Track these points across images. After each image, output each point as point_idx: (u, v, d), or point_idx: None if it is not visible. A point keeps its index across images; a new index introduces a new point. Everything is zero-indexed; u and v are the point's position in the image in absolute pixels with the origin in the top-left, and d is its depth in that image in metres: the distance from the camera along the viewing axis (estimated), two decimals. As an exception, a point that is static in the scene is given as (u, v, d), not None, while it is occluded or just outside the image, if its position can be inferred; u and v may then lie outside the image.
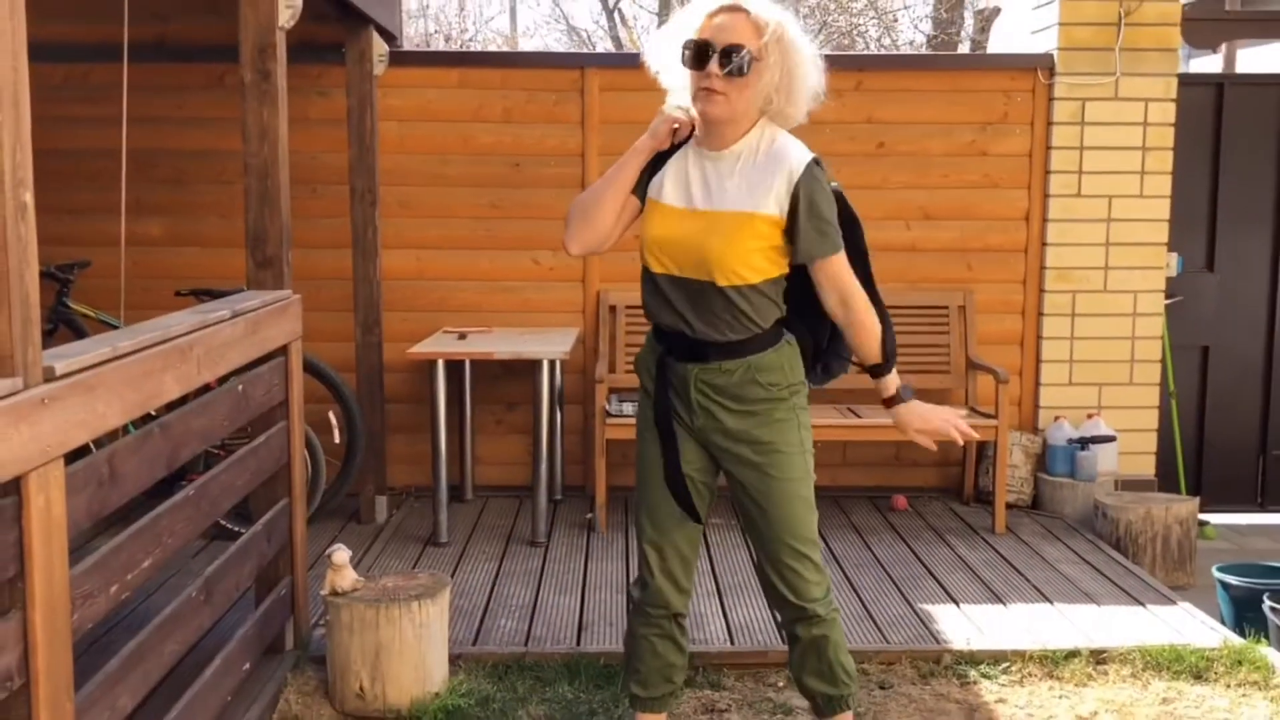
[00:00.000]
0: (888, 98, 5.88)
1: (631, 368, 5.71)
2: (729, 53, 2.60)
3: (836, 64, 6.10)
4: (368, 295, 5.51)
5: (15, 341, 2.06)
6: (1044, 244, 5.91)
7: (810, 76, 2.69)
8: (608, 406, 5.40)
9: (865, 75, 5.86)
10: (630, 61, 5.82)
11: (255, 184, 3.74)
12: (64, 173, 5.60)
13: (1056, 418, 5.85)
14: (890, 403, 2.86)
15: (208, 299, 4.60)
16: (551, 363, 5.27)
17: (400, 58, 5.78)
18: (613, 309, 5.86)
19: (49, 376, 2.17)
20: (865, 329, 2.78)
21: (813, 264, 2.74)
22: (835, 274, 2.74)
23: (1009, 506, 5.59)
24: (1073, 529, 5.48)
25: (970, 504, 5.87)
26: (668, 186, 2.77)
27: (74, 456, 2.30)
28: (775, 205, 2.68)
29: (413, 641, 3.55)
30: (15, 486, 2.07)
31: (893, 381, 2.83)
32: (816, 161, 2.72)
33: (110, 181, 5.52)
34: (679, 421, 2.86)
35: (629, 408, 5.40)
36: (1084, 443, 5.72)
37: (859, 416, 5.45)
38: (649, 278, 2.83)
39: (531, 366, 5.23)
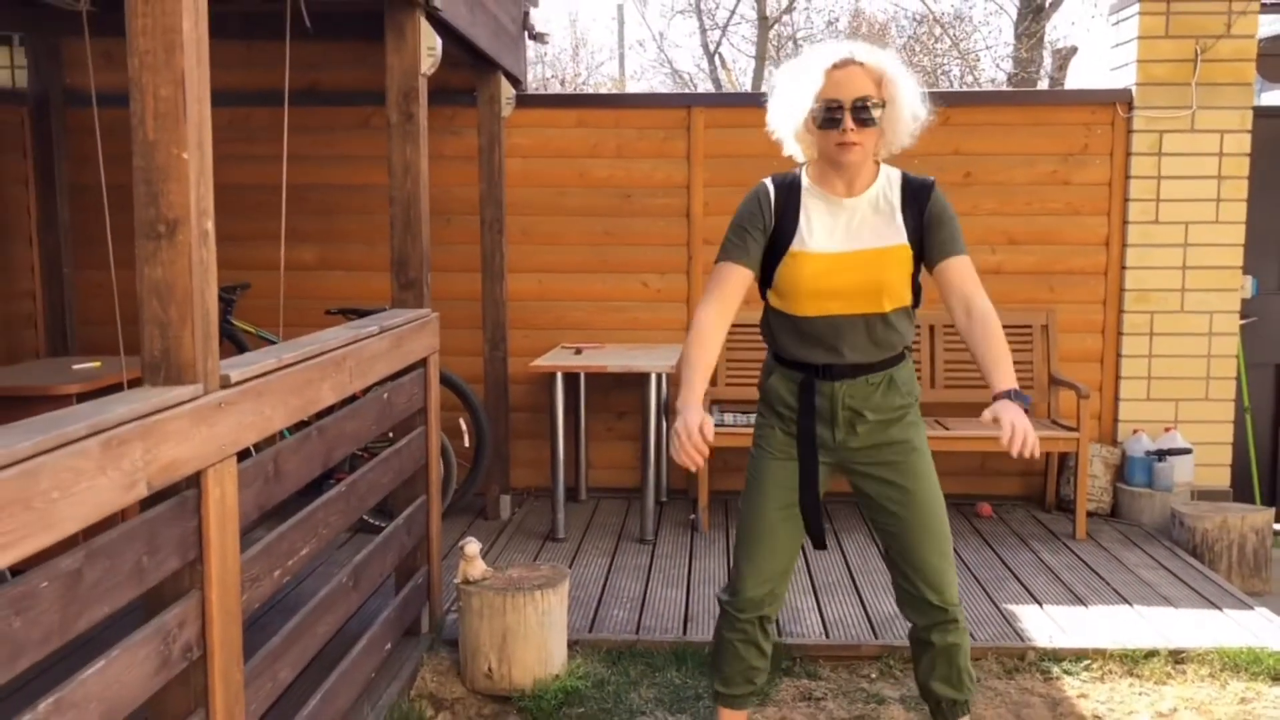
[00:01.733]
0: (974, 131, 5.80)
1: (731, 381, 5.72)
2: (859, 107, 2.62)
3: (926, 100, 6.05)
4: (495, 314, 5.60)
5: (197, 352, 2.15)
6: (1123, 267, 5.76)
7: (916, 106, 2.71)
8: (709, 415, 5.39)
9: (953, 111, 5.79)
10: (732, 101, 5.86)
11: (399, 214, 3.83)
12: (227, 205, 5.76)
13: (1135, 431, 5.69)
14: (1000, 396, 2.62)
15: (354, 317, 4.72)
16: (658, 375, 5.29)
17: (525, 100, 5.88)
18: (715, 327, 5.85)
19: (225, 384, 2.25)
20: (991, 325, 2.63)
21: (948, 261, 2.71)
22: (966, 273, 2.71)
23: (1089, 514, 5.45)
24: (1151, 536, 5.32)
25: (1052, 512, 5.74)
26: (817, 237, 2.73)
27: (241, 457, 2.39)
28: (910, 235, 2.72)
29: (536, 627, 3.59)
30: (196, 480, 2.16)
31: (1011, 379, 2.64)
32: (935, 183, 2.79)
33: (269, 212, 5.74)
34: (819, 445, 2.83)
35: (729, 418, 5.40)
36: (1161, 455, 5.56)
37: (946, 429, 5.37)
38: (794, 323, 2.78)
39: (640, 379, 5.25)
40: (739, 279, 2.76)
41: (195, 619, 2.18)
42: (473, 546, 3.71)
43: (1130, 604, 4.37)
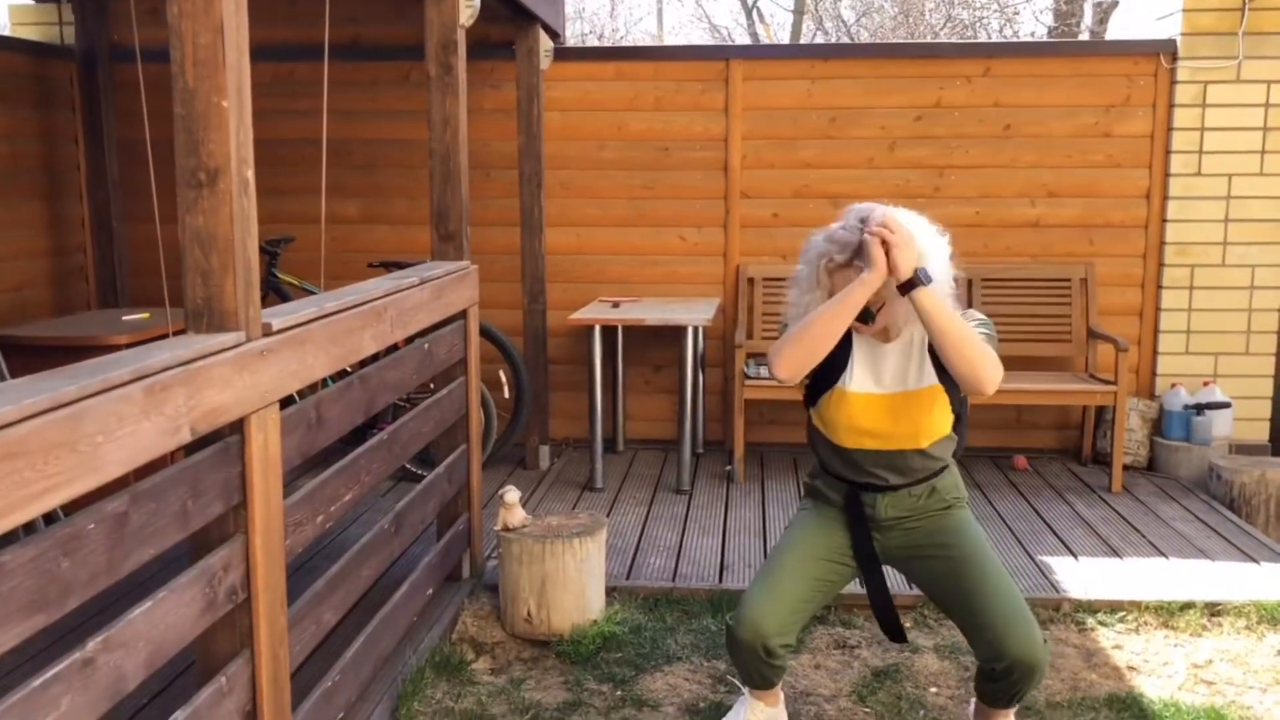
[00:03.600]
0: (1014, 83, 5.67)
1: (767, 334, 5.67)
2: (869, 313, 2.59)
3: (966, 52, 5.94)
4: (533, 268, 5.57)
5: (239, 300, 2.13)
6: (1164, 220, 5.63)
7: (944, 267, 2.59)
8: (746, 369, 5.36)
9: (993, 62, 5.65)
10: (771, 53, 5.77)
11: (439, 167, 3.80)
12: (270, 159, 5.77)
13: (1173, 385, 5.59)
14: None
15: (396, 270, 4.71)
16: (695, 329, 5.25)
17: (563, 53, 5.80)
18: (750, 281, 5.81)
19: (266, 331, 2.24)
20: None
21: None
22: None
23: (1126, 468, 5.37)
24: (1187, 489, 5.24)
25: (1088, 465, 5.66)
26: (859, 377, 2.70)
27: (284, 405, 2.38)
28: (939, 370, 2.65)
29: (574, 574, 3.59)
30: (239, 426, 2.15)
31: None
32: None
33: (311, 167, 5.73)
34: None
35: (765, 371, 5.36)
36: (1199, 408, 5.45)
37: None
38: (835, 448, 2.76)
39: (677, 332, 5.22)
40: None
41: (240, 562, 2.19)
42: (512, 494, 3.71)
43: (1166, 556, 4.31)
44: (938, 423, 2.69)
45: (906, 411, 2.68)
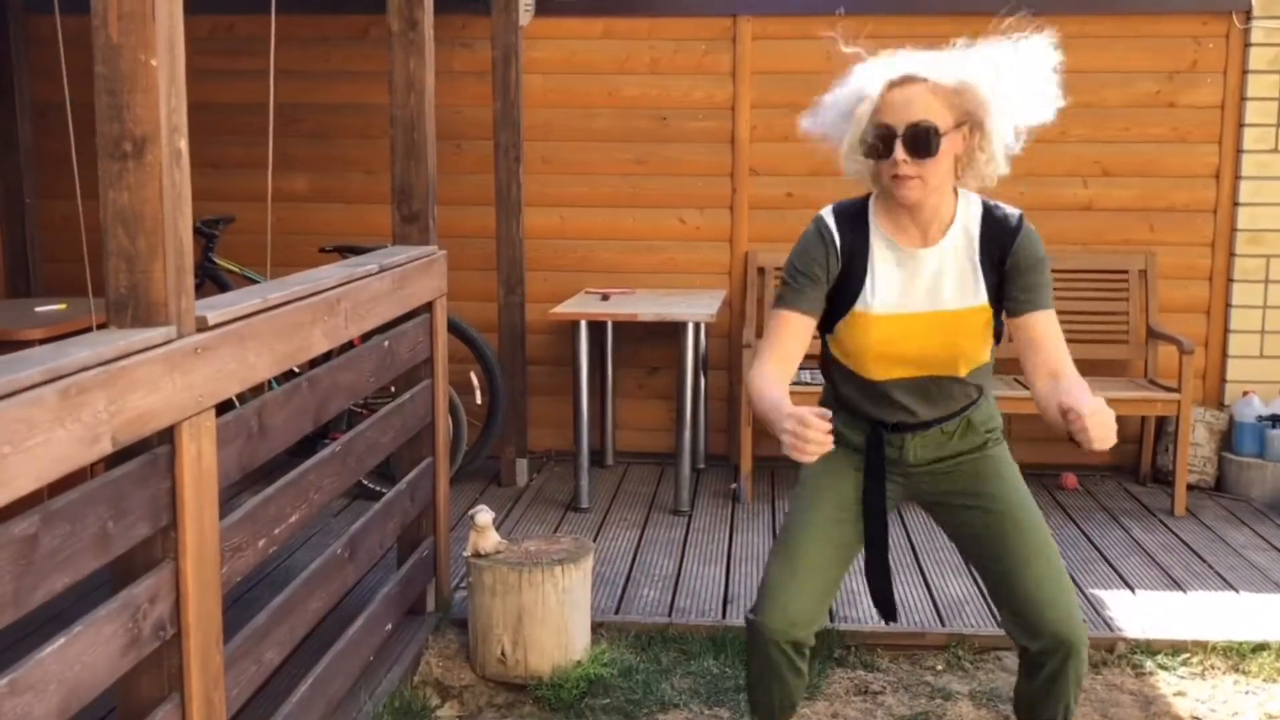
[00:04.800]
0: (1065, 45, 5.58)
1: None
2: (913, 134, 2.45)
3: (1009, 8, 5.93)
4: (510, 254, 5.57)
5: (169, 290, 2.12)
6: (1235, 204, 5.65)
7: (1018, 117, 2.52)
8: (756, 372, 5.36)
9: (1041, 20, 5.64)
10: (784, 8, 5.76)
11: (402, 136, 3.79)
12: (207, 127, 5.76)
13: (1245, 392, 5.60)
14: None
15: (352, 255, 4.70)
16: (696, 326, 5.25)
17: (545, 7, 5.80)
18: (761, 271, 5.81)
19: (201, 326, 2.24)
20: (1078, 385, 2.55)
21: (1031, 316, 2.59)
22: (1052, 332, 2.58)
23: (1190, 488, 5.38)
24: (1260, 513, 5.25)
25: (1147, 484, 5.68)
26: (884, 295, 2.61)
27: (221, 410, 2.37)
28: (990, 289, 2.60)
29: (555, 607, 3.59)
30: (169, 436, 2.14)
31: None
32: (1023, 218, 2.63)
33: (254, 136, 5.72)
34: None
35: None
36: (1275, 420, 5.47)
37: (1024, 388, 5.30)
38: (858, 381, 2.69)
39: (675, 329, 5.21)
40: (800, 330, 2.62)
41: (168, 593, 2.17)
42: (484, 516, 3.71)
43: (1236, 590, 4.32)
44: (981, 347, 2.64)
45: (948, 335, 2.59)
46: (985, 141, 2.52)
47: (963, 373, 2.64)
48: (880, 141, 2.48)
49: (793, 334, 2.62)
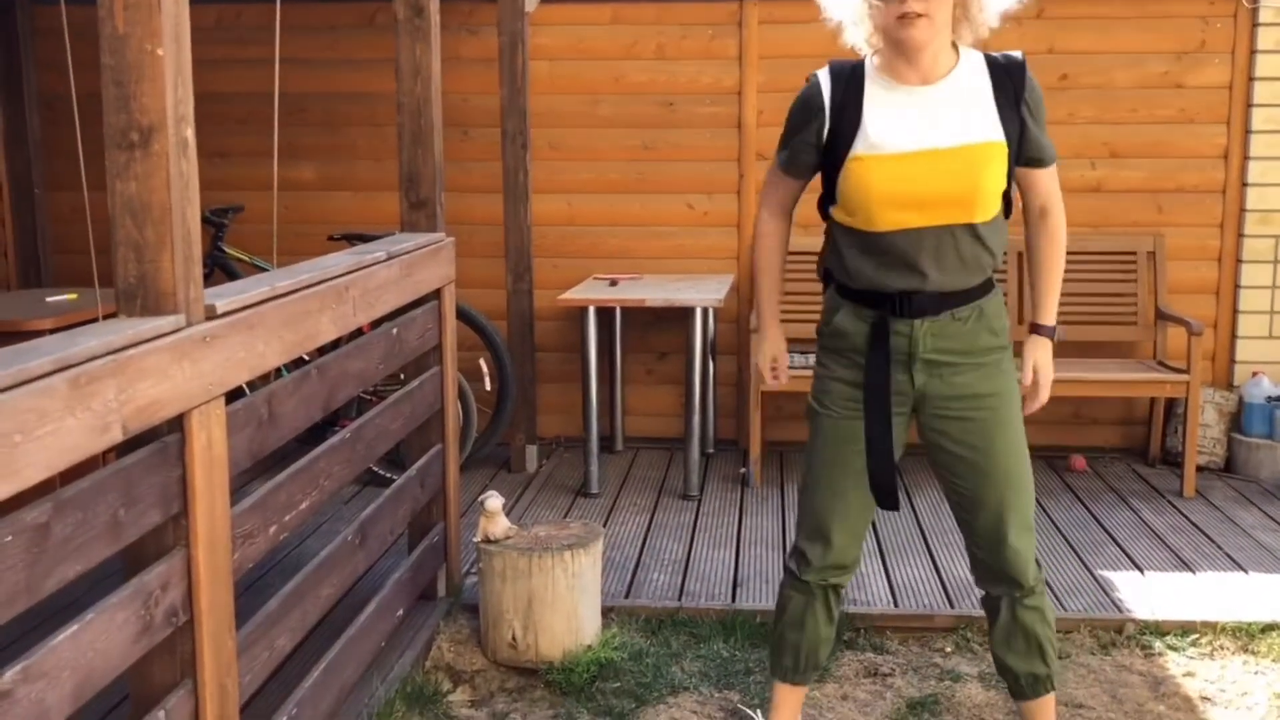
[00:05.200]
0: (1072, 25, 5.65)
1: (789, 316, 5.65)
2: None
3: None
4: (518, 241, 5.57)
5: (178, 279, 2.13)
6: (1244, 184, 5.63)
7: None
8: (764, 356, 5.36)
9: (1048, 2, 5.64)
10: (793, -9, 5.74)
11: (409, 123, 3.80)
12: (215, 116, 5.76)
13: (1254, 373, 5.59)
14: (1038, 329, 2.84)
15: (359, 243, 4.71)
16: (705, 311, 5.25)
17: (552, -7, 5.79)
18: (770, 255, 5.79)
19: (210, 315, 2.24)
20: (1059, 246, 2.81)
21: (1039, 165, 2.71)
22: (1052, 179, 2.76)
23: (1199, 469, 5.37)
24: (1270, 494, 5.25)
25: (1156, 466, 5.67)
26: (885, 135, 2.57)
27: (231, 398, 2.38)
28: (1007, 127, 2.61)
29: (565, 592, 3.60)
30: (179, 424, 2.15)
31: (1053, 315, 2.84)
32: (1024, 56, 2.69)
33: (262, 125, 5.71)
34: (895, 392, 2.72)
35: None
36: (1285, 401, 5.47)
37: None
38: (866, 240, 2.64)
39: (684, 315, 5.22)
40: (794, 188, 2.84)
41: (180, 580, 2.19)
42: (494, 501, 3.72)
43: (1245, 571, 4.32)
44: (992, 189, 2.60)
45: (956, 170, 2.56)
46: None
47: (977, 218, 2.59)
48: None
49: (787, 189, 2.86)
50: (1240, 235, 5.66)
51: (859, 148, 2.59)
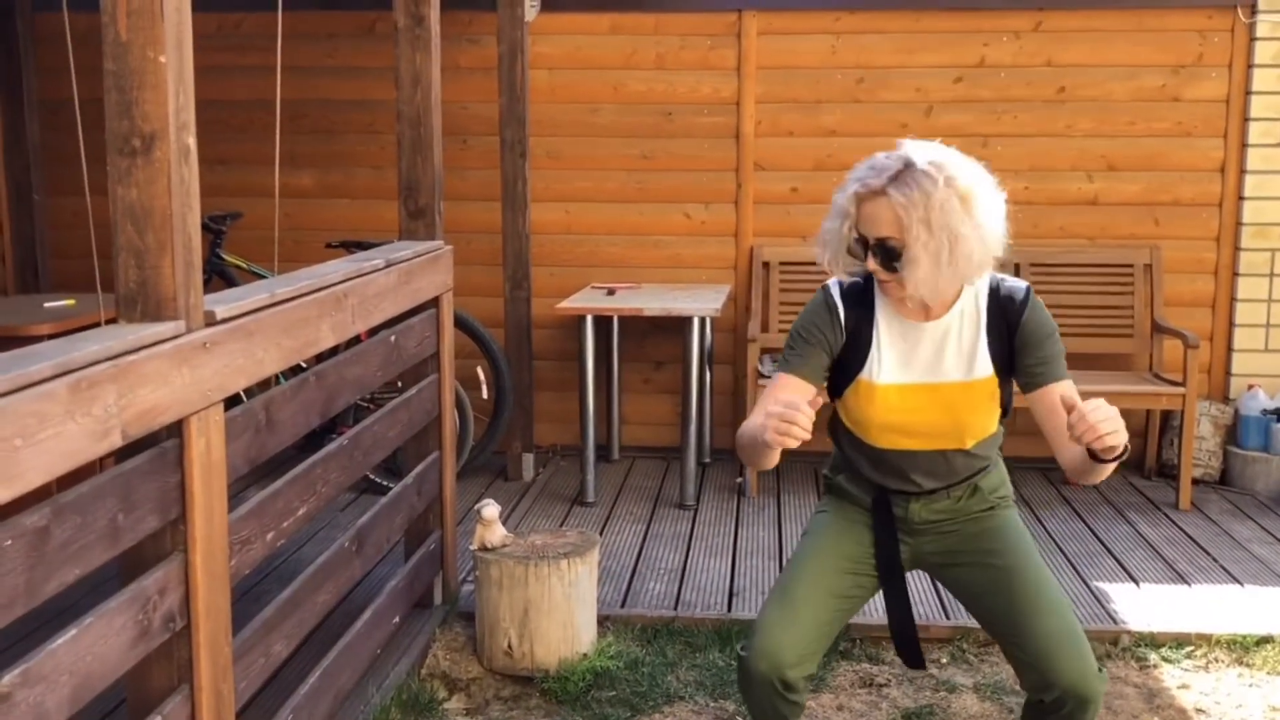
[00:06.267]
0: (1069, 39, 5.67)
1: (785, 325, 5.68)
2: (881, 249, 2.50)
3: (1015, 2, 5.93)
4: (517, 249, 5.58)
5: (178, 285, 2.14)
6: (1241, 198, 5.65)
7: (981, 231, 2.49)
8: (760, 367, 5.37)
9: (1045, 15, 5.66)
10: (790, 4, 5.76)
11: (408, 132, 3.81)
12: (215, 123, 5.78)
13: (1250, 386, 5.60)
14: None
15: (358, 251, 4.71)
16: (702, 320, 5.26)
17: (551, 2, 5.80)
18: (766, 265, 5.81)
19: (210, 321, 2.25)
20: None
21: (1047, 389, 2.60)
22: (1068, 393, 2.49)
23: (1195, 481, 5.38)
24: (1265, 507, 5.26)
25: (1152, 478, 5.68)
26: (888, 366, 2.63)
27: (229, 405, 2.39)
28: (996, 360, 2.61)
29: (561, 600, 3.60)
30: (178, 429, 2.16)
31: None
32: (1030, 291, 2.65)
33: (261, 133, 5.74)
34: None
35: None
36: (1280, 414, 5.48)
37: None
38: (865, 448, 2.71)
39: (681, 324, 5.22)
40: (797, 391, 2.61)
41: (178, 585, 2.19)
42: (491, 509, 3.72)
43: (1240, 583, 4.32)
44: (986, 420, 2.66)
45: (952, 407, 2.63)
46: (949, 249, 2.47)
47: (968, 444, 2.65)
48: (860, 248, 2.55)
49: (796, 388, 2.61)
50: (1236, 249, 5.67)
51: (865, 373, 2.64)
